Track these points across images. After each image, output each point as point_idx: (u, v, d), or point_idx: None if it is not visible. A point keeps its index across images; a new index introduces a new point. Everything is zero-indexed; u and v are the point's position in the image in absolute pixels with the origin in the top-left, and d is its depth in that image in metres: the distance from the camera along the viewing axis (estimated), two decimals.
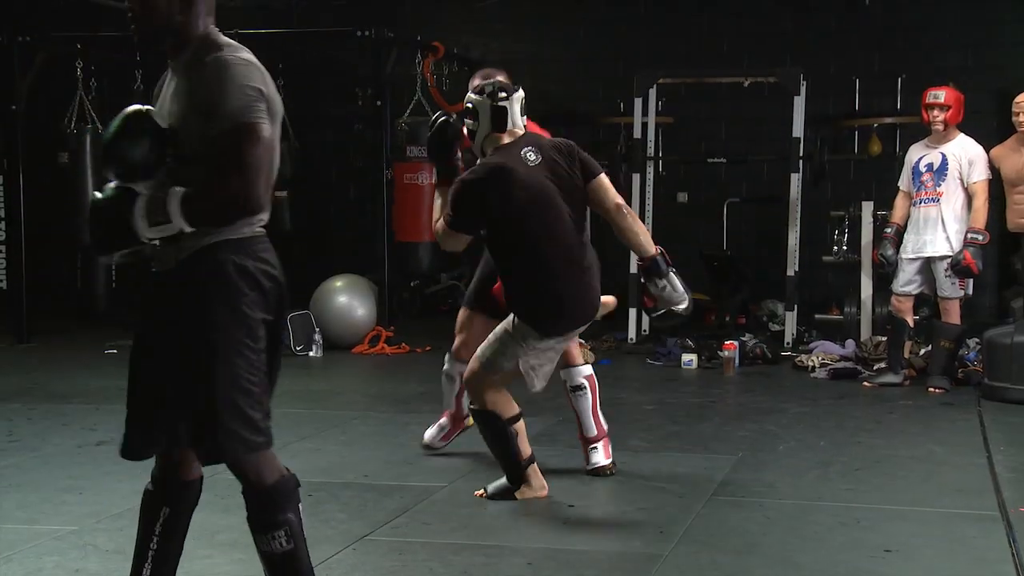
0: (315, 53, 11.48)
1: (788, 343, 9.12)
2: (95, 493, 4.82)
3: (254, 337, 2.90)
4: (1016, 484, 4.91)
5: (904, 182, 7.61)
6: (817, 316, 9.81)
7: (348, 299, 9.42)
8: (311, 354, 9.07)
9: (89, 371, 8.03)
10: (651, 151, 10.02)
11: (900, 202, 7.63)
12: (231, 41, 2.96)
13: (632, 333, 9.47)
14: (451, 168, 4.73)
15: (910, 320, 7.53)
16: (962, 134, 7.46)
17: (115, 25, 10.53)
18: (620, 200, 4.78)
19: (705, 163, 10.68)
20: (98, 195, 2.96)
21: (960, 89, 7.64)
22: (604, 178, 4.74)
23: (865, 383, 7.64)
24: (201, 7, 2.94)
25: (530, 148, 4.61)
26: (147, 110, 2.94)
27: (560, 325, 4.64)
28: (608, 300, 5.09)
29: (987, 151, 7.40)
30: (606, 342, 9.32)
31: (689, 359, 8.42)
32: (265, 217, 2.96)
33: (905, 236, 7.50)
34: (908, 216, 7.53)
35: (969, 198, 7.31)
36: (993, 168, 7.40)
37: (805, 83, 9.38)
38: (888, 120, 10.43)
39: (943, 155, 7.37)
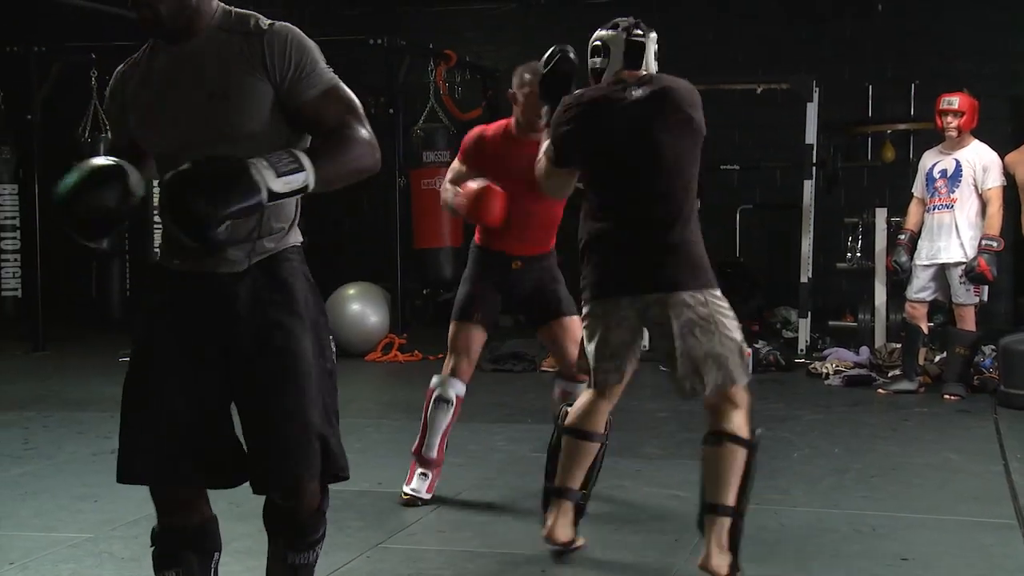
0: (327, 61, 11.51)
1: (802, 350, 9.10)
2: (110, 501, 4.83)
3: (326, 356, 2.73)
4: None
5: (918, 188, 7.60)
6: (831, 323, 9.79)
7: (361, 307, 9.43)
8: None
9: (104, 379, 8.05)
10: None
11: (914, 208, 7.61)
12: None
13: (645, 340, 9.44)
14: None
15: (924, 327, 7.51)
16: (976, 140, 7.44)
17: (129, 36, 10.61)
18: None
19: (718, 169, 10.67)
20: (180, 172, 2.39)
21: (974, 95, 7.62)
22: None
23: (880, 390, 7.62)
24: None
25: None
26: (111, 162, 2.59)
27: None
28: None
29: (1001, 157, 7.38)
30: None
31: None
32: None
33: (919, 242, 7.48)
34: (922, 222, 7.51)
35: (983, 204, 7.29)
36: (1008, 174, 7.37)
37: (818, 90, 9.37)
38: (901, 127, 10.41)
39: (957, 161, 7.36)
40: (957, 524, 4.49)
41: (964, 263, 7.22)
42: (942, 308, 8.19)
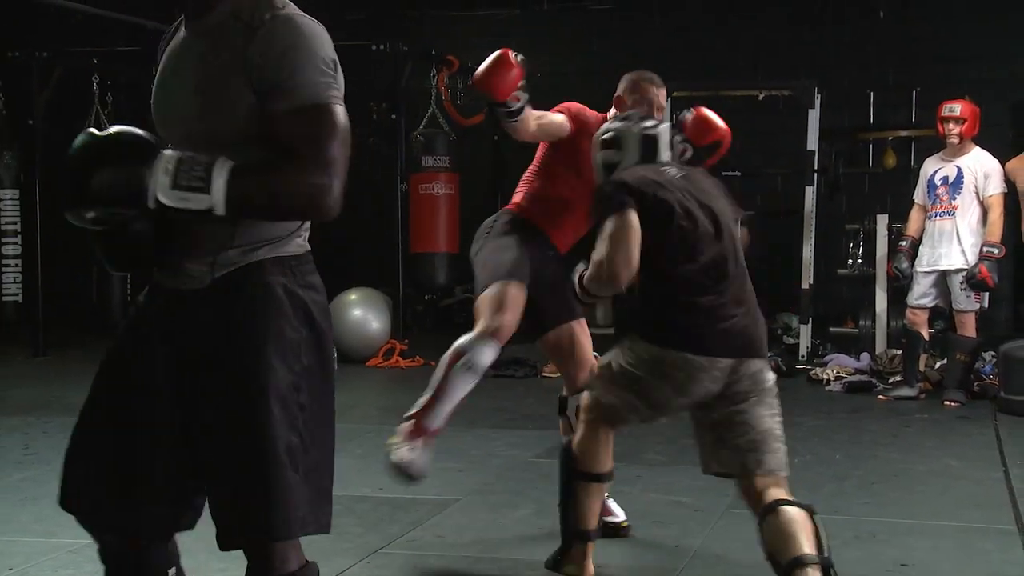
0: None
1: (803, 356, 9.09)
2: None
3: (298, 387, 2.24)
4: None
5: (919, 195, 7.60)
6: (832, 329, 9.79)
7: (362, 312, 9.44)
8: None
9: None
10: None
11: (915, 215, 7.62)
12: None
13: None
14: None
15: (925, 333, 7.51)
16: (977, 147, 7.45)
17: (131, 40, 10.64)
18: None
19: (719, 176, 10.65)
20: (95, 132, 2.16)
21: (975, 102, 7.62)
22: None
23: (880, 396, 7.62)
24: None
25: None
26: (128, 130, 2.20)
27: None
28: None
29: (1002, 164, 7.39)
30: None
31: None
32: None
33: (920, 249, 7.49)
34: (923, 229, 7.51)
35: (984, 211, 7.29)
36: (1009, 181, 7.38)
37: (820, 96, 9.38)
38: (903, 133, 10.41)
39: (958, 168, 7.36)
40: (957, 530, 4.49)
41: (965, 270, 7.22)
42: (943, 314, 8.19)
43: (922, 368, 7.64)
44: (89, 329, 10.84)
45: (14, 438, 6.35)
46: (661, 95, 4.43)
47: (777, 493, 3.50)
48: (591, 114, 4.42)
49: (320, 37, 2.24)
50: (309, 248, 2.38)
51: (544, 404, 7.48)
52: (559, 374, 8.63)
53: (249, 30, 2.19)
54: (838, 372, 8.28)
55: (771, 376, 3.60)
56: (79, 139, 2.15)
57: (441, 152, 10.42)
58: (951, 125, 7.38)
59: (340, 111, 2.21)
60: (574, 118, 4.34)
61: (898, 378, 7.80)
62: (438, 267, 10.48)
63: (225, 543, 2.27)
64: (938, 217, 7.42)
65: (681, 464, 5.69)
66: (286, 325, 2.23)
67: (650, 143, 3.81)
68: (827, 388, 8.05)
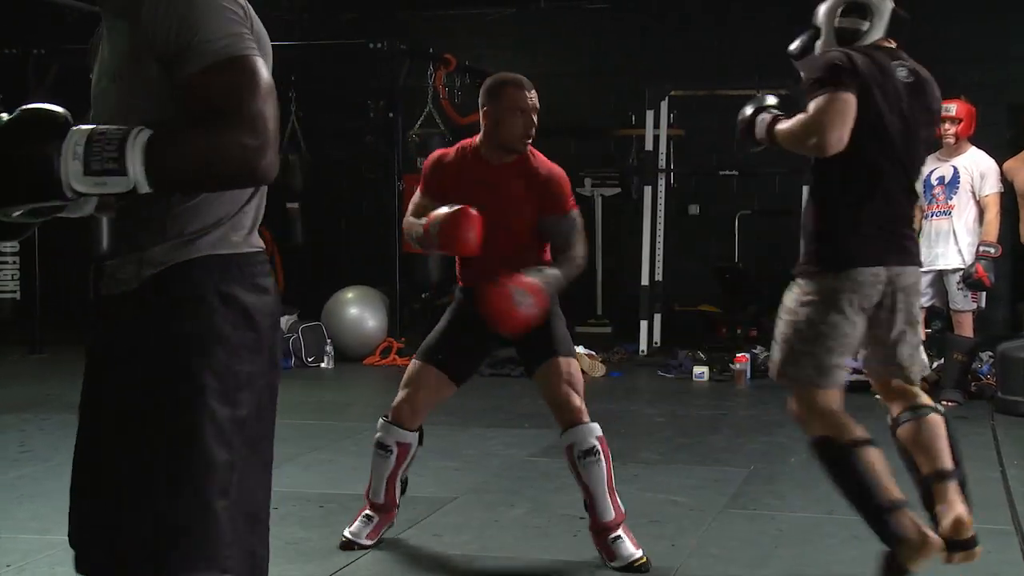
0: (326, 66, 11.52)
1: None
2: None
3: (235, 402, 1.98)
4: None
5: None
6: None
7: (359, 311, 9.44)
8: (322, 365, 9.10)
9: None
10: (663, 163, 10.04)
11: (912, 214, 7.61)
12: None
13: (643, 345, 9.47)
14: None
15: (923, 332, 7.50)
16: (974, 147, 7.45)
17: None
18: None
19: (717, 175, 10.69)
20: (3, 116, 1.89)
21: (972, 102, 7.62)
22: None
23: (877, 396, 7.61)
24: None
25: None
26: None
27: None
28: None
29: (1000, 164, 7.39)
30: (617, 354, 9.31)
31: (701, 371, 8.42)
32: (245, 223, 2.07)
33: None
34: (920, 229, 7.52)
35: (981, 211, 7.30)
36: (1006, 181, 7.38)
37: None
38: None
39: (955, 168, 7.37)
40: None
41: (962, 269, 7.23)
42: (940, 314, 8.19)
43: None
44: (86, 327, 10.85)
45: (10, 435, 6.35)
46: (533, 97, 4.18)
47: (910, 399, 3.79)
48: (428, 162, 4.22)
49: None
50: (257, 247, 2.09)
51: (540, 403, 7.47)
52: None
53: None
54: None
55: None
56: None
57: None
58: (947, 125, 7.38)
59: (260, 63, 1.92)
60: (421, 185, 4.17)
61: None
62: (432, 266, 10.48)
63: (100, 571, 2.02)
64: (935, 217, 7.43)
65: (677, 463, 5.69)
66: (218, 333, 1.97)
67: (900, 21, 3.72)
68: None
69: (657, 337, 9.69)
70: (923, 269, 7.33)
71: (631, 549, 4.01)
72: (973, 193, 7.31)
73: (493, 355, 8.89)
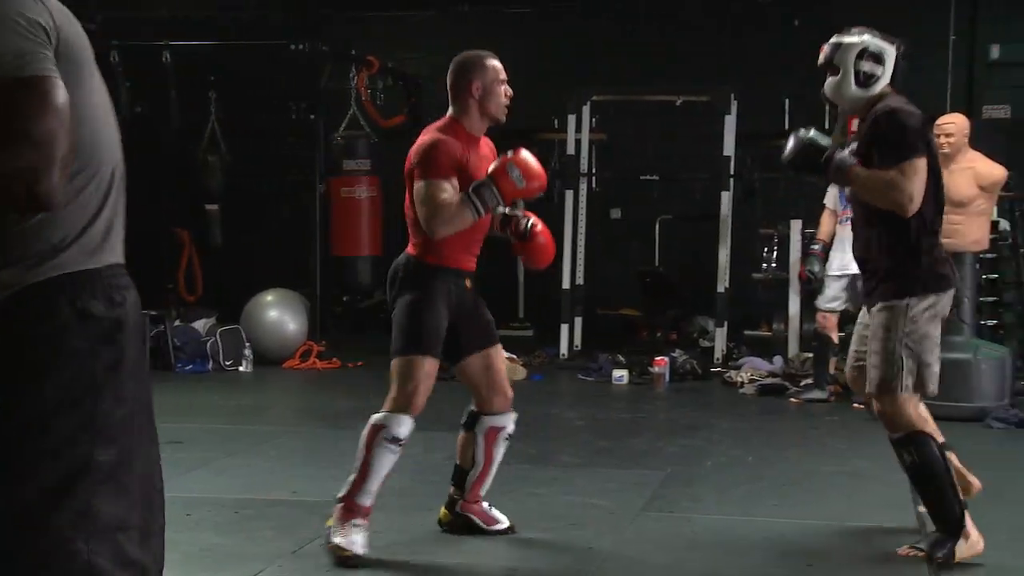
0: (248, 67, 11.41)
1: (718, 359, 9.21)
2: None
3: (102, 430, 1.92)
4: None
5: (830, 199, 7.75)
6: (746, 332, 9.93)
7: (279, 313, 9.36)
8: (240, 369, 9.00)
9: None
10: (584, 167, 10.09)
11: (826, 219, 7.76)
12: None
13: (564, 348, 9.52)
14: None
15: (835, 337, 7.64)
16: None
17: (124, 36, 10.37)
18: None
19: (638, 180, 10.77)
20: None
21: (899, 83, 7.76)
22: None
23: (792, 399, 7.74)
24: None
25: None
26: None
27: None
28: None
29: None
30: (538, 357, 9.35)
31: (620, 375, 8.48)
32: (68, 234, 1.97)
33: (831, 253, 7.62)
34: (834, 233, 7.65)
35: None
36: None
37: (736, 102, 9.51)
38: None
39: None
40: (863, 531, 4.58)
41: None
42: (853, 318, 8.34)
43: (832, 371, 7.77)
44: None
45: None
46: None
47: None
48: (442, 148, 4.21)
49: (10, 3, 1.82)
50: (114, 260, 2.04)
51: (458, 408, 7.45)
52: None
53: None
54: (752, 375, 8.40)
55: None
56: None
57: (362, 155, 10.37)
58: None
59: (53, 83, 1.82)
60: (442, 171, 4.16)
61: (809, 381, 7.93)
62: (361, 270, 10.43)
63: None
64: (848, 222, 7.55)
65: (595, 466, 5.73)
66: (76, 351, 1.91)
67: (902, 68, 4.36)
68: (741, 391, 8.16)
69: (578, 340, 9.74)
70: (836, 273, 7.55)
71: (502, 515, 4.48)
72: None
73: None
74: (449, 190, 4.10)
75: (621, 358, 8.80)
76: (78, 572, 1.89)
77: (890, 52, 4.44)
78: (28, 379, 1.89)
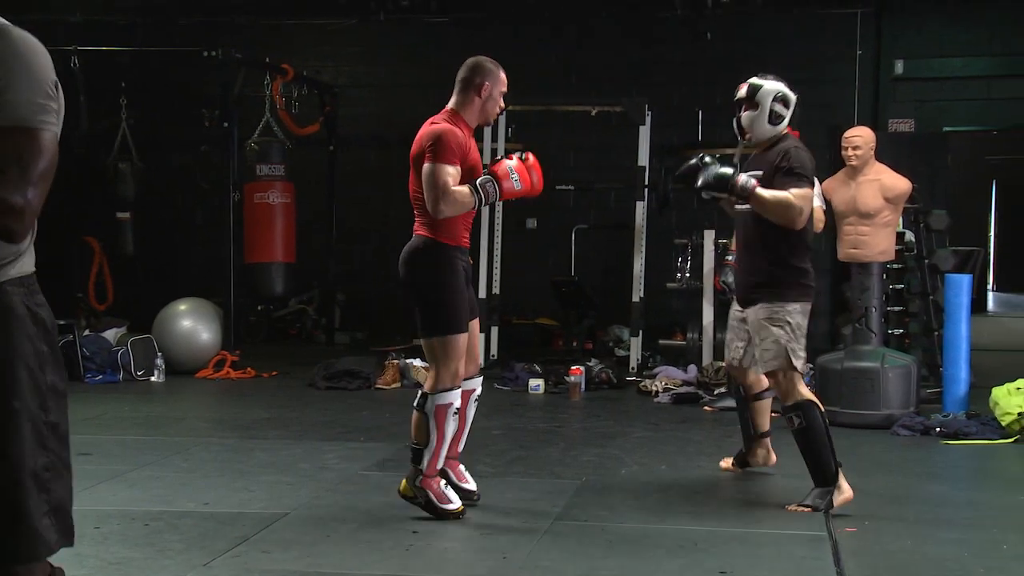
0: (160, 73, 11.26)
1: (633, 368, 9.29)
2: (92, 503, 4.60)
3: (46, 407, 2.26)
4: (843, 506, 5.09)
5: None
6: (661, 342, 10.03)
7: (192, 323, 9.23)
8: (152, 379, 8.87)
9: None
10: None
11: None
12: None
13: (480, 359, 9.52)
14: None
15: None
16: None
17: (118, 41, 10.12)
18: None
19: (553, 190, 10.82)
20: None
21: (793, 124, 7.91)
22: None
23: (706, 407, 7.84)
24: None
25: None
26: None
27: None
28: None
29: (820, 183, 7.69)
30: None
31: (536, 384, 8.51)
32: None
33: None
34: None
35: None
36: (825, 200, 7.69)
37: (650, 113, 9.62)
38: (730, 151, 10.72)
39: None
40: (773, 537, 4.65)
41: None
42: None
43: None
44: None
45: None
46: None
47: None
48: (451, 137, 4.74)
49: (40, 56, 2.16)
50: (33, 267, 2.34)
51: (377, 416, 7.46)
52: (393, 386, 8.62)
53: None
54: (666, 384, 8.48)
55: None
56: None
57: (276, 161, 10.30)
58: None
59: (49, 138, 2.14)
60: (451, 157, 4.68)
61: (723, 390, 8.04)
62: (275, 277, 10.35)
63: None
64: None
65: (510, 475, 5.74)
66: (30, 344, 2.22)
67: (797, 114, 5.29)
68: (655, 399, 8.24)
69: (494, 350, 9.76)
70: None
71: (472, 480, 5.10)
72: None
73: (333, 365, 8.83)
74: (455, 175, 4.62)
75: (537, 367, 8.84)
76: (50, 519, 2.25)
77: (793, 99, 5.28)
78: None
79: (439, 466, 4.79)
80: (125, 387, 8.63)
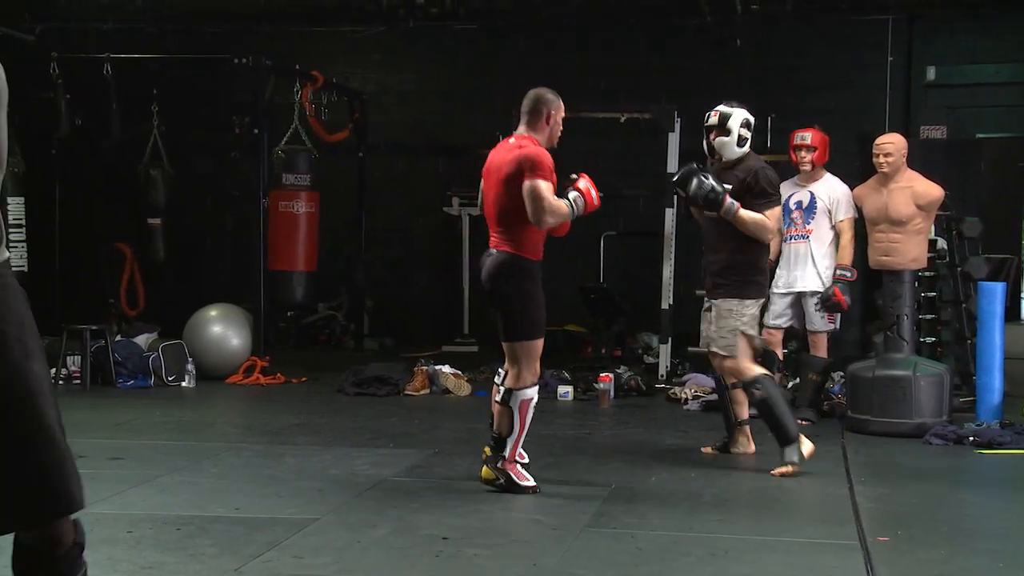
0: (191, 80, 11.32)
1: (662, 375, 9.26)
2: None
3: (46, 370, 2.54)
4: (875, 514, 5.06)
5: None
6: (690, 349, 9.97)
7: (223, 328, 9.28)
8: (183, 384, 8.91)
9: None
10: None
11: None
12: None
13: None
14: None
15: (780, 353, 7.73)
16: (828, 174, 7.72)
17: (124, 48, 10.29)
18: None
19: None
20: None
21: (825, 130, 7.90)
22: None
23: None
24: None
25: None
26: None
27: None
28: None
29: (852, 189, 7.65)
30: (483, 373, 9.34)
31: (565, 391, 8.50)
32: None
33: (777, 271, 7.71)
34: (780, 251, 7.76)
35: (837, 235, 7.56)
36: (856, 207, 7.66)
37: (679, 120, 9.59)
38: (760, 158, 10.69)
39: (811, 194, 7.63)
40: (804, 546, 4.62)
41: (820, 292, 7.47)
42: (796, 335, 8.44)
43: (787, 385, 7.86)
44: None
45: None
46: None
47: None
48: (548, 157, 5.46)
49: None
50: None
51: (406, 422, 7.47)
52: (422, 392, 8.64)
53: None
54: (696, 391, 8.45)
55: None
56: None
57: (302, 170, 10.33)
58: (803, 153, 7.64)
59: None
60: (549, 174, 5.36)
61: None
62: (296, 285, 10.37)
63: (26, 521, 2.42)
64: (793, 240, 7.67)
65: (540, 482, 5.73)
66: (28, 312, 2.49)
67: (755, 136, 6.24)
68: (684, 407, 8.21)
69: None
70: (782, 291, 7.64)
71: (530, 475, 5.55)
72: (829, 217, 7.57)
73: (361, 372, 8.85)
74: (552, 190, 5.29)
75: (566, 374, 8.83)
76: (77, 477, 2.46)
77: (753, 123, 6.17)
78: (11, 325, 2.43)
79: (518, 452, 5.43)
80: (156, 392, 8.68)
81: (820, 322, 7.58)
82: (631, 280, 11.10)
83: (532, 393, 5.42)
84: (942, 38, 10.92)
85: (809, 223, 7.61)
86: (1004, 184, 16.94)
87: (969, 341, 8.47)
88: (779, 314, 7.69)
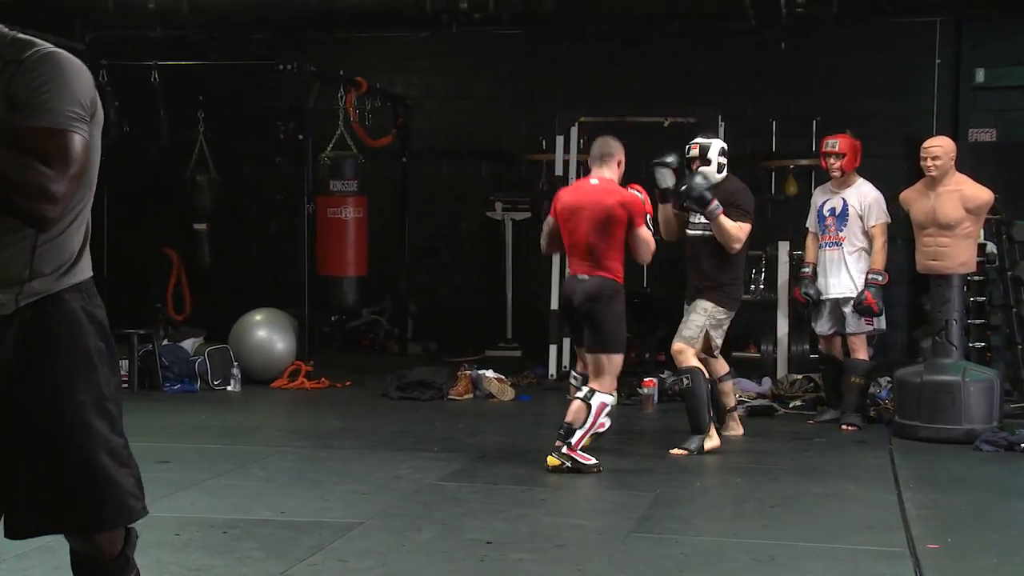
0: (236, 86, 11.41)
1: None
2: None
3: (111, 397, 2.57)
4: (924, 521, 5.01)
5: (811, 223, 7.83)
6: (734, 354, 9.90)
7: (268, 333, 9.34)
8: (229, 388, 8.97)
9: None
10: None
11: (810, 243, 7.83)
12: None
13: (552, 369, 9.51)
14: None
15: (839, 356, 7.70)
16: (861, 179, 7.65)
17: (127, 56, 10.35)
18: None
19: None
20: None
21: (871, 134, 7.85)
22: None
23: (809, 421, 7.78)
24: None
25: None
26: None
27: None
28: None
29: (898, 194, 7.58)
30: (526, 378, 9.34)
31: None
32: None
33: (818, 279, 7.70)
34: (817, 259, 7.73)
35: (870, 241, 7.50)
36: (904, 211, 7.58)
37: (723, 124, 9.54)
38: (804, 162, 10.63)
39: (844, 200, 7.58)
40: (851, 553, 4.58)
41: (853, 297, 7.44)
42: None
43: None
44: None
45: None
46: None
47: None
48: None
49: (80, 76, 2.43)
50: (91, 271, 2.60)
51: (450, 427, 7.48)
52: (466, 397, 8.70)
53: (14, 65, 2.40)
54: (740, 396, 8.39)
55: None
56: None
57: (349, 176, 10.37)
58: (831, 160, 7.59)
59: (79, 141, 2.39)
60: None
61: (799, 402, 7.98)
62: (347, 290, 10.41)
63: (74, 529, 2.56)
64: (828, 247, 7.64)
65: (584, 487, 5.73)
66: (90, 342, 2.53)
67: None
68: (729, 412, 8.14)
69: (566, 361, 9.72)
70: (822, 298, 7.60)
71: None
72: (862, 223, 7.51)
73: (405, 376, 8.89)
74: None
75: None
76: (123, 490, 2.56)
77: (727, 149, 6.97)
78: (60, 352, 2.50)
79: (584, 442, 6.01)
80: (202, 396, 8.75)
81: (857, 324, 7.52)
82: (674, 285, 11.04)
83: (610, 399, 6.16)
84: (991, 40, 10.79)
85: (842, 229, 7.56)
86: None
87: (1020, 346, 8.36)
88: (824, 321, 7.65)
